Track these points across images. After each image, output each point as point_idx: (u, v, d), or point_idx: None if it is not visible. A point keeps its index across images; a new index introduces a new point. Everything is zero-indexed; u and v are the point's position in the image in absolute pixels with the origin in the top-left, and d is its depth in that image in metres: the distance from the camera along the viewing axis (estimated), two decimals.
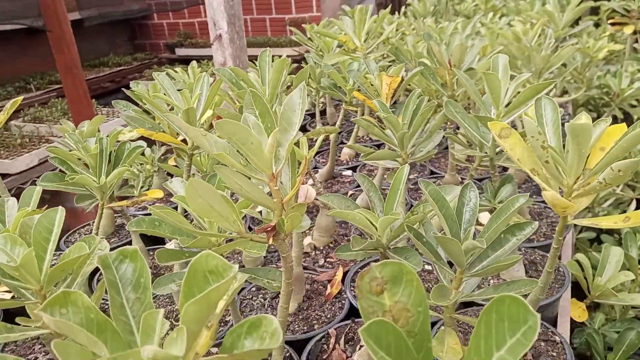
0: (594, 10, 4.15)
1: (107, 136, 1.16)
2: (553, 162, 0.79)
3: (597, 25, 3.64)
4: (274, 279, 0.84)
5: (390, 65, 1.53)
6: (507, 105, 1.08)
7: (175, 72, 1.76)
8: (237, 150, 0.64)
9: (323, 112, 2.45)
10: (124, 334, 0.48)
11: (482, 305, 1.15)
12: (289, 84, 2.04)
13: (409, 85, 1.81)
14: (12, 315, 0.76)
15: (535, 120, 0.83)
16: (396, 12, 3.27)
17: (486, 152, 1.12)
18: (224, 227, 0.66)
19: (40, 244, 0.63)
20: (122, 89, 1.28)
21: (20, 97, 1.28)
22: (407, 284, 0.42)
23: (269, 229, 0.66)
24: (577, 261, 1.41)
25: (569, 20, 1.92)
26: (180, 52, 6.09)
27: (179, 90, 1.14)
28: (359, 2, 5.72)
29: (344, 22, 1.87)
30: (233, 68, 0.95)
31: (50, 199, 3.63)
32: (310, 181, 1.69)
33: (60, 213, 0.65)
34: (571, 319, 1.63)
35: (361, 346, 1.01)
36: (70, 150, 1.19)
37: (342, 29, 1.89)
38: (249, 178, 0.66)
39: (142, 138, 2.16)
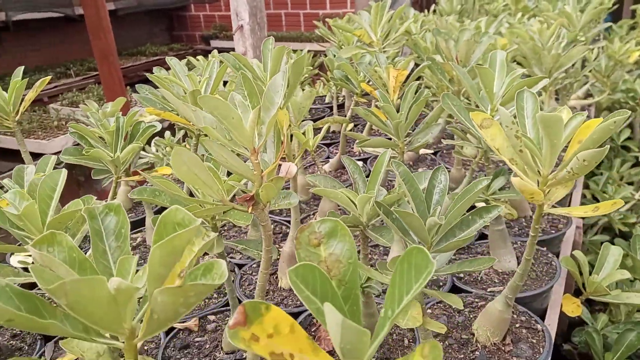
0: (634, 13, 4.05)
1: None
2: (529, 152, 0.83)
3: (633, 28, 3.56)
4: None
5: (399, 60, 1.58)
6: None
7: (197, 60, 1.85)
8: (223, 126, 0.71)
9: (342, 106, 2.50)
10: (103, 274, 0.55)
11: (465, 290, 1.19)
12: (305, 75, 2.10)
13: (424, 80, 1.85)
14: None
15: (516, 112, 0.87)
16: (425, 10, 3.30)
17: (479, 145, 1.16)
18: (209, 195, 0.72)
19: (44, 200, 0.71)
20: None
21: (48, 77, 1.38)
22: (341, 238, 0.48)
23: (248, 198, 0.72)
24: (574, 258, 1.42)
25: (587, 21, 1.91)
26: (215, 44, 6.23)
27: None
28: (393, 0, 5.72)
29: (362, 16, 1.92)
30: (236, 54, 1.02)
31: (84, 181, 3.81)
32: (318, 172, 1.75)
33: (62, 174, 0.73)
34: (573, 318, 1.65)
35: None
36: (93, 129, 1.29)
37: (360, 24, 1.93)
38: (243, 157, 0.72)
39: (170, 127, 2.26)
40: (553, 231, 1.41)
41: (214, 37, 6.36)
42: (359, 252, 1.37)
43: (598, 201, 2.32)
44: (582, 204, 2.30)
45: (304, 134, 1.38)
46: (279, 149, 0.77)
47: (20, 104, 1.35)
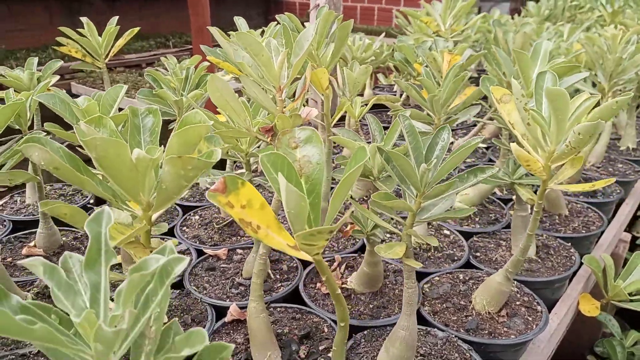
0: None
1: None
2: (539, 128, 0.88)
3: None
4: None
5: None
6: None
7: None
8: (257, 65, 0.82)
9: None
10: None
11: (477, 267, 1.23)
12: (372, 58, 2.18)
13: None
14: None
15: (534, 91, 0.92)
16: (516, 14, 3.28)
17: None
18: (237, 122, 0.85)
19: (105, 107, 0.87)
20: None
21: (137, 29, 1.57)
22: (314, 144, 0.57)
23: (268, 129, 0.83)
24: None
25: None
26: None
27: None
28: (492, 5, 5.64)
29: (434, 6, 1.98)
30: (289, 15, 1.13)
31: None
32: None
33: (123, 89, 0.89)
34: (605, 334, 1.63)
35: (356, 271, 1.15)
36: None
37: (431, 14, 1.99)
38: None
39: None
40: (584, 231, 1.41)
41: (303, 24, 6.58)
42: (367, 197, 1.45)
43: None
44: None
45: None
46: (303, 90, 0.87)
47: (111, 49, 1.56)
